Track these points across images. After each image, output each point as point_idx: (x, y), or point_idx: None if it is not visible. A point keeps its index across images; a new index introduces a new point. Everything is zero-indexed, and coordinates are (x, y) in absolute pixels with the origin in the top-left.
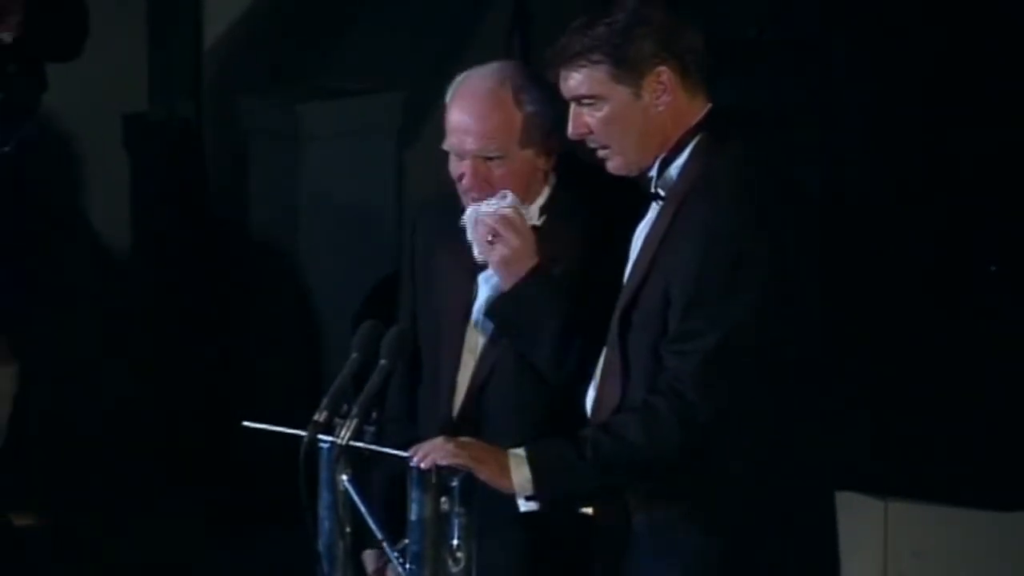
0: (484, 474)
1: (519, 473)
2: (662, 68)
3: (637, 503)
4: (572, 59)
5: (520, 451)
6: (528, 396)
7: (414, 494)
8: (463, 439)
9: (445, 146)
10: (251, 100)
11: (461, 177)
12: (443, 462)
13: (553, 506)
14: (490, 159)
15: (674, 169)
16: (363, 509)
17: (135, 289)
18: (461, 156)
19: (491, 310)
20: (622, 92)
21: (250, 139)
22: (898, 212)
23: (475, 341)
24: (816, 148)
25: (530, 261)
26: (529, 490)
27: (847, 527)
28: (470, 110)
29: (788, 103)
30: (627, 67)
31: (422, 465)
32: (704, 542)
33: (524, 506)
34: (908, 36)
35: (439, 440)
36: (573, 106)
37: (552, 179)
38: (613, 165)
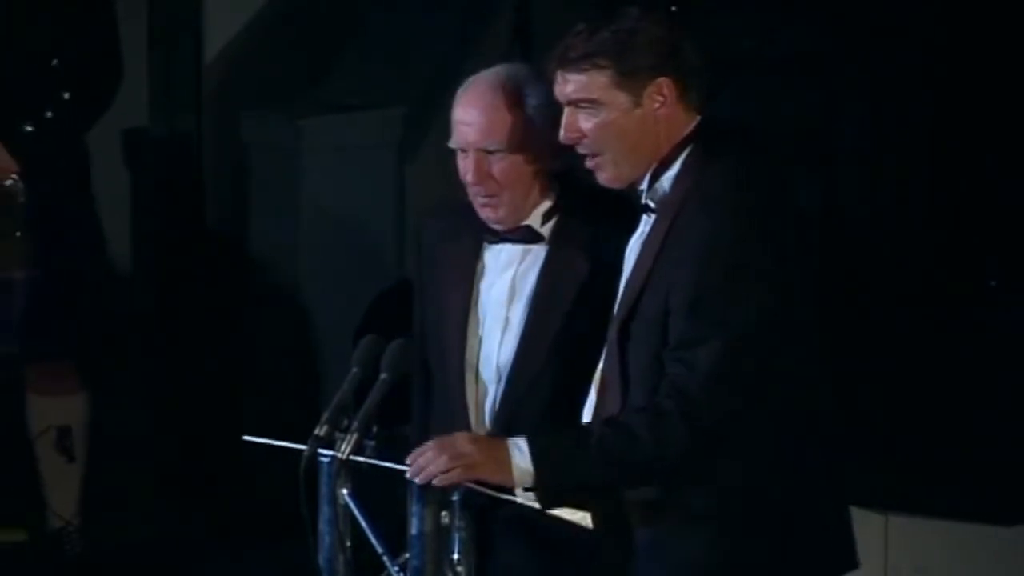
0: (482, 476)
1: (519, 464)
2: (663, 79)
3: (638, 514)
4: (575, 62)
5: (521, 440)
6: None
7: (414, 508)
8: (457, 443)
9: (451, 143)
10: (251, 114)
11: (466, 175)
12: (439, 484)
13: (551, 498)
14: (491, 153)
15: (665, 181)
16: (363, 523)
17: (136, 303)
18: (464, 149)
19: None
20: (622, 99)
21: (250, 153)
22: (898, 226)
23: (476, 340)
24: (816, 162)
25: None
26: (529, 481)
27: None
28: (473, 104)
29: (787, 117)
30: (630, 75)
31: (417, 481)
32: (704, 552)
33: (523, 497)
34: (908, 50)
35: (431, 451)
36: (568, 109)
37: (556, 187)
38: (604, 176)
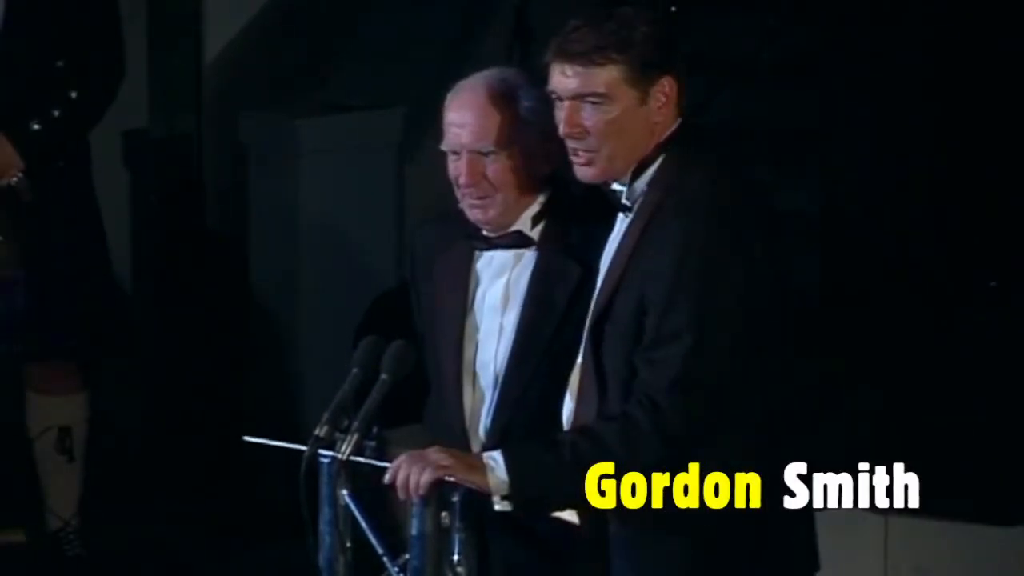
0: (456, 476)
1: (495, 475)
2: (667, 79)
3: (612, 513)
4: (584, 54)
5: (496, 453)
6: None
7: (415, 509)
8: (429, 455)
9: (443, 146)
10: (250, 115)
11: (458, 177)
12: (424, 486)
13: (528, 508)
14: (484, 155)
15: (643, 182)
16: (364, 524)
17: (135, 303)
18: (457, 152)
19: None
20: (631, 96)
21: (249, 154)
22: (898, 228)
23: (472, 348)
24: (816, 165)
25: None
26: (505, 490)
27: (847, 542)
28: (465, 106)
29: (787, 117)
30: (641, 71)
31: (404, 496)
32: (675, 554)
33: (499, 505)
34: (907, 54)
35: (404, 465)
36: (569, 103)
37: (546, 190)
38: (591, 172)
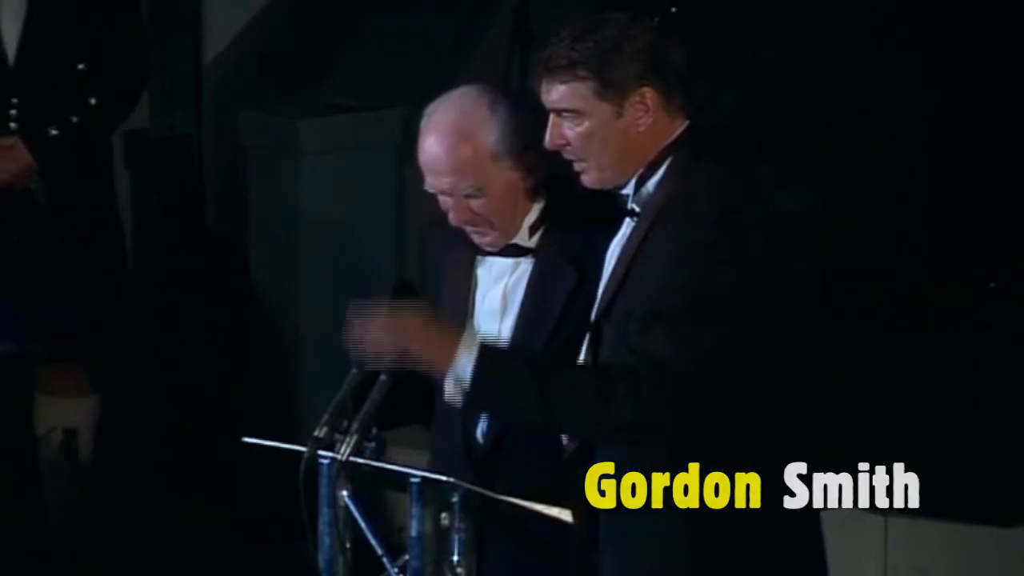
0: (423, 360)
1: (463, 365)
2: (646, 89)
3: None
4: (557, 71)
5: (476, 347)
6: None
7: (414, 509)
8: (402, 317)
9: (425, 187)
10: (251, 116)
11: (448, 212)
12: (387, 361)
13: (476, 407)
14: (466, 196)
15: (650, 186)
16: (363, 525)
17: (135, 304)
18: (440, 194)
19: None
20: (604, 110)
21: (250, 155)
22: (898, 228)
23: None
24: (815, 163)
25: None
26: (465, 384)
27: (847, 543)
28: (437, 148)
29: (787, 117)
30: (611, 86)
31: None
32: (665, 542)
33: (450, 389)
34: (907, 51)
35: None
36: (553, 116)
37: (542, 196)
38: (588, 179)
